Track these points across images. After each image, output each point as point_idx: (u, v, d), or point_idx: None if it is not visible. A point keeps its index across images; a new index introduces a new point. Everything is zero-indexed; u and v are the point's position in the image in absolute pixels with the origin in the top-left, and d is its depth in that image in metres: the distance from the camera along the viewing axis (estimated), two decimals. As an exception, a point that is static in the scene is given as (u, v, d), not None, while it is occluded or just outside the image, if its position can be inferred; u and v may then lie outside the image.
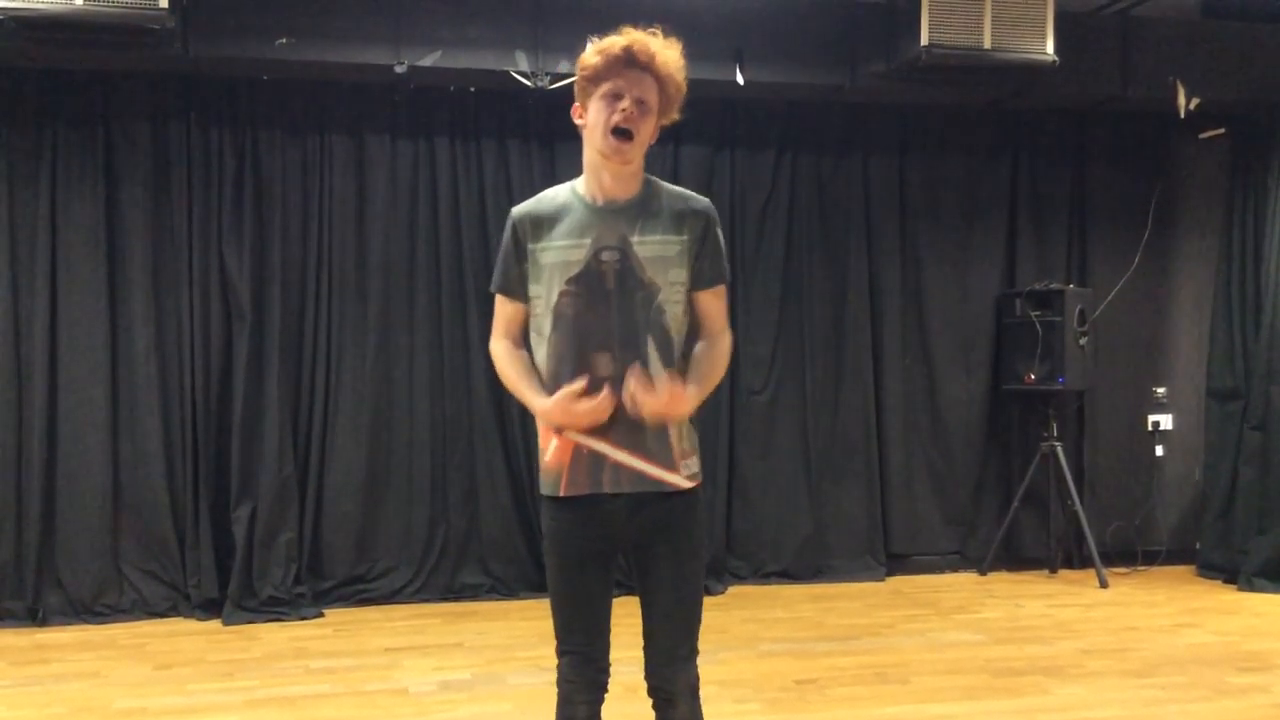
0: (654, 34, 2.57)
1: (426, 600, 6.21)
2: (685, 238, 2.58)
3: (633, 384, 2.46)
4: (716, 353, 2.65)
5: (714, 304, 2.65)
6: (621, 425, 2.52)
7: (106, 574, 5.85)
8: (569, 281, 2.56)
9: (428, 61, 5.71)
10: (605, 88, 2.53)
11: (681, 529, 2.61)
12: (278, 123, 6.10)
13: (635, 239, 2.56)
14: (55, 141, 5.82)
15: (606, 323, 2.53)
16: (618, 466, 2.55)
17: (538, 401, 2.58)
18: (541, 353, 2.62)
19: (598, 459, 2.55)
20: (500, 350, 2.71)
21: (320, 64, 5.73)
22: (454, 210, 6.32)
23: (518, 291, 2.66)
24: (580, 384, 2.50)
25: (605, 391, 2.48)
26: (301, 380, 6.16)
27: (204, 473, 5.95)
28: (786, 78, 6.18)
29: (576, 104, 2.62)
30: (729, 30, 5.95)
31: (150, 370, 5.93)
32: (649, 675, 2.66)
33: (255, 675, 4.87)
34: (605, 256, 2.55)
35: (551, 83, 5.81)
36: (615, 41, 2.53)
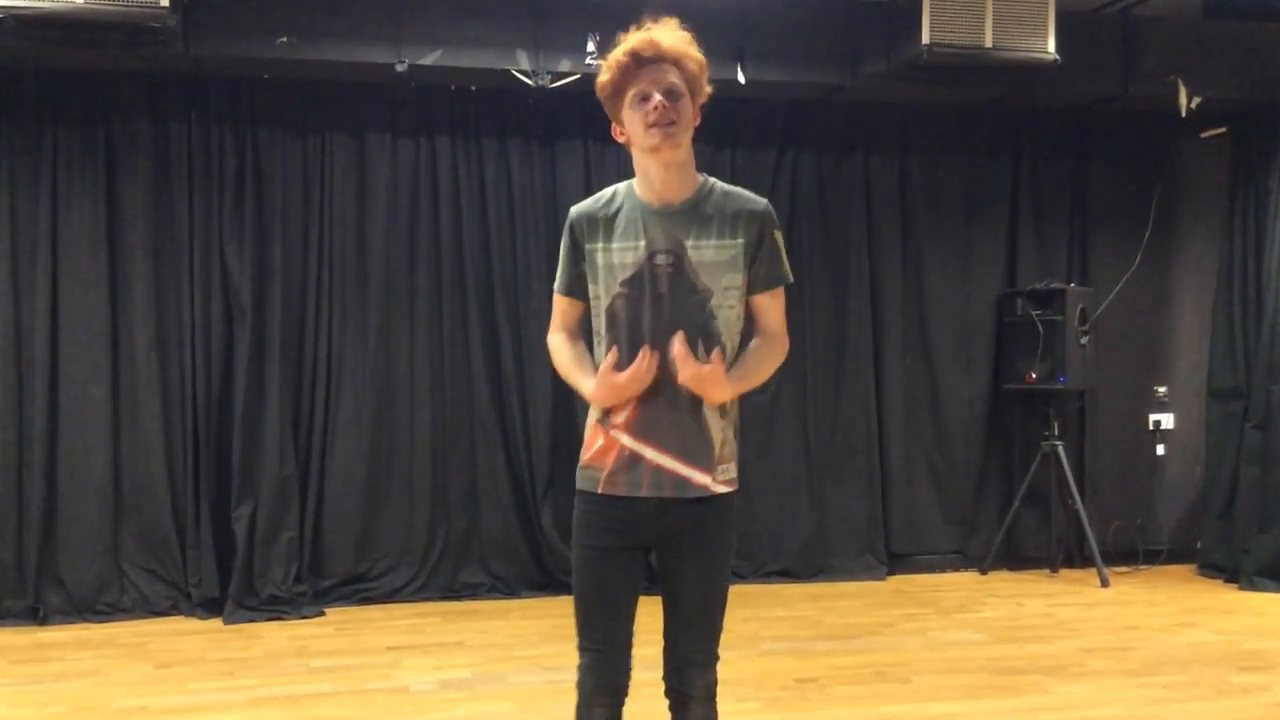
0: (648, 26, 2.54)
1: (427, 599, 6.21)
2: (740, 241, 2.56)
3: (677, 345, 2.46)
4: (766, 350, 2.65)
5: (770, 305, 2.64)
6: (665, 427, 2.53)
7: (107, 573, 5.85)
8: (623, 284, 2.55)
9: (428, 60, 5.71)
10: (630, 95, 2.51)
11: (711, 534, 2.60)
12: (278, 121, 6.10)
13: (690, 243, 2.54)
14: (56, 140, 5.83)
15: (657, 325, 2.53)
16: (658, 469, 2.54)
17: (586, 385, 2.60)
18: (600, 353, 2.62)
19: (639, 462, 2.55)
20: (556, 342, 2.74)
21: (321, 63, 5.73)
22: (455, 209, 6.32)
23: (577, 292, 2.67)
24: (612, 356, 2.51)
25: (645, 354, 2.48)
26: (302, 379, 6.16)
27: (205, 471, 5.95)
28: (788, 76, 6.18)
29: (614, 125, 2.60)
30: (730, 29, 5.95)
31: (151, 369, 5.93)
32: (667, 676, 2.65)
33: (256, 674, 4.87)
34: (659, 260, 2.54)
35: (552, 81, 5.81)
36: (619, 51, 2.51)
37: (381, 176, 6.24)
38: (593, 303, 2.63)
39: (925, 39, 5.72)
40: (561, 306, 2.72)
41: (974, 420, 7.04)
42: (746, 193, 2.65)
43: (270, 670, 4.93)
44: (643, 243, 2.55)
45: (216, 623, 5.79)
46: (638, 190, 2.61)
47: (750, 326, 2.67)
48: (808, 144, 6.79)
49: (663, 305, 2.53)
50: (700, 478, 2.55)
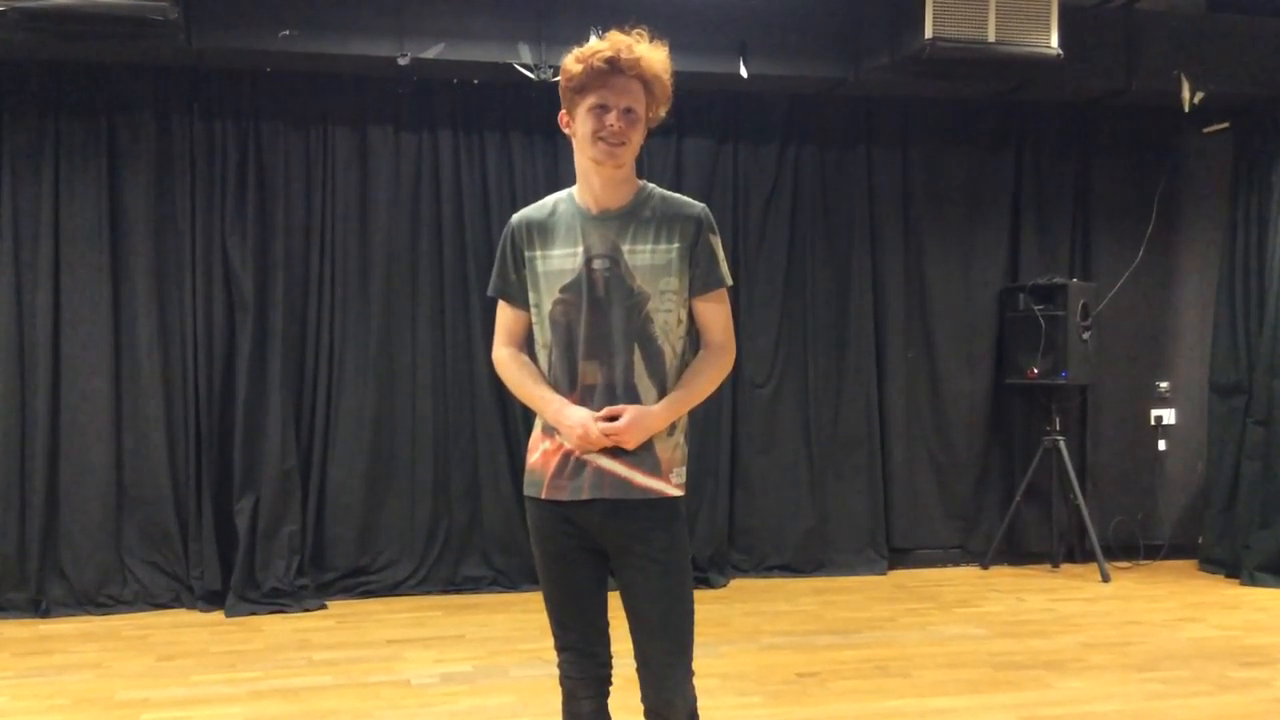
0: (639, 36, 2.53)
1: (428, 592, 6.21)
2: (677, 245, 2.57)
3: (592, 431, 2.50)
4: (708, 365, 2.63)
5: (711, 311, 2.63)
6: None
7: (109, 565, 5.86)
8: (563, 289, 2.57)
9: (431, 54, 5.71)
10: (591, 100, 2.49)
11: (661, 538, 2.57)
12: (281, 115, 6.09)
13: (626, 247, 2.56)
14: (58, 133, 5.82)
15: (594, 330, 2.54)
16: (600, 472, 2.54)
17: (552, 405, 2.57)
18: (542, 360, 2.64)
19: (582, 465, 2.56)
20: (503, 357, 2.72)
21: (323, 56, 5.73)
22: (457, 202, 6.32)
23: (517, 298, 2.68)
24: (606, 412, 2.51)
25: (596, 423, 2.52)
26: (304, 372, 6.17)
27: (207, 464, 5.96)
28: (790, 70, 6.17)
29: (563, 111, 2.59)
30: (733, 23, 5.95)
31: (153, 361, 5.93)
32: (645, 697, 2.62)
33: (258, 667, 4.88)
34: (596, 265, 2.55)
35: (554, 75, 5.79)
36: (598, 50, 2.48)
37: (384, 170, 6.24)
38: (533, 310, 2.64)
39: (928, 33, 5.70)
40: (505, 317, 2.72)
41: (975, 415, 7.03)
42: (684, 198, 2.65)
43: (272, 663, 4.94)
44: (580, 248, 2.57)
45: (218, 615, 5.79)
46: (577, 197, 2.63)
47: (699, 334, 2.67)
48: (810, 138, 6.77)
49: (599, 310, 2.54)
50: (641, 479, 2.55)
